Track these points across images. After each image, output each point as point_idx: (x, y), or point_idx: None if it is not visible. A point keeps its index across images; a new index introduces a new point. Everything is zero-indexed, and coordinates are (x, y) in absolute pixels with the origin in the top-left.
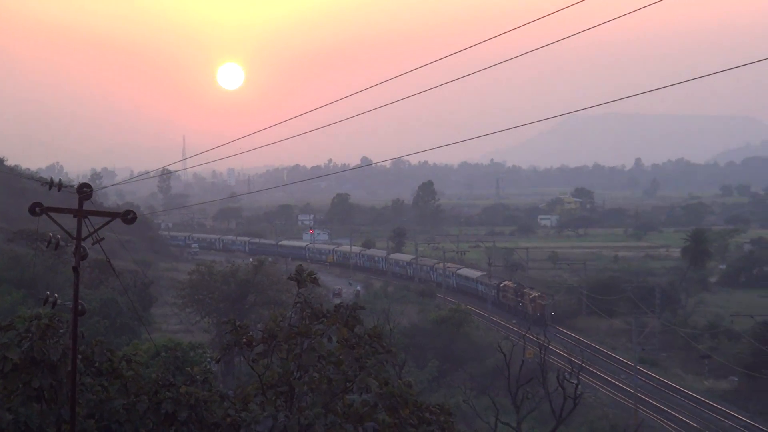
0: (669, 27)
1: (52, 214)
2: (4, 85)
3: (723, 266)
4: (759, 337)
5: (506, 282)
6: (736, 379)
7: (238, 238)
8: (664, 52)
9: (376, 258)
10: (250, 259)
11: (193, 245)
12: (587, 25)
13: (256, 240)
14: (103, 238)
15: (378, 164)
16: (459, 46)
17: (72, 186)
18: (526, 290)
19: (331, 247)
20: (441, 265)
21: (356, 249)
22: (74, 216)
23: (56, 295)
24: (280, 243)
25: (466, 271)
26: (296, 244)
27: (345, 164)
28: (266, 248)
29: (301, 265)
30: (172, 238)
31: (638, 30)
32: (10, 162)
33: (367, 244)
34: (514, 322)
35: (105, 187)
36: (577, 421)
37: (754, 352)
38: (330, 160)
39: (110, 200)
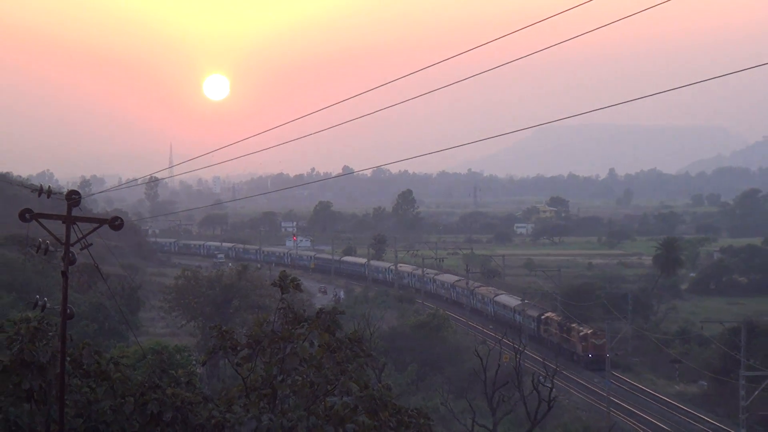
0: (642, 41)
1: (42, 220)
2: (16, 99)
3: (693, 274)
4: (727, 343)
5: (549, 313)
6: (706, 384)
7: (223, 244)
8: (638, 65)
9: (381, 269)
10: (229, 264)
11: (218, 255)
12: (562, 38)
13: (241, 246)
14: (91, 244)
15: (359, 173)
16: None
17: (61, 193)
18: (574, 326)
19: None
20: (484, 289)
21: (361, 260)
22: (63, 222)
23: (45, 298)
24: (264, 249)
25: (504, 299)
26: (279, 250)
27: (327, 173)
28: (250, 254)
29: (284, 271)
30: (165, 243)
31: (612, 44)
32: (1, 169)
33: (348, 251)
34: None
35: (93, 194)
36: (552, 423)
37: (722, 357)
38: (313, 169)
39: (99, 207)
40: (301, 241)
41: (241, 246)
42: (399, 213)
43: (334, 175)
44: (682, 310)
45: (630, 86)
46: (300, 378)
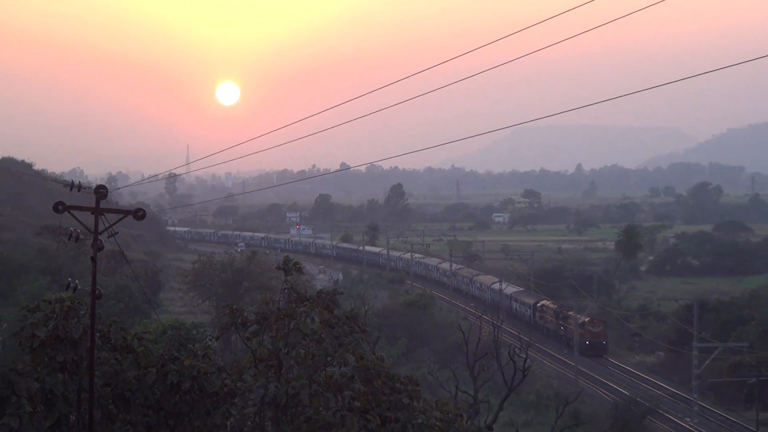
0: (607, 52)
1: (73, 212)
2: (36, 99)
3: (651, 257)
4: (682, 318)
5: (544, 301)
6: (662, 354)
7: (241, 233)
8: (603, 72)
9: (394, 257)
10: (238, 250)
11: (239, 243)
12: (537, 47)
13: (261, 235)
14: (117, 233)
15: (355, 168)
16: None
17: (90, 187)
18: (570, 313)
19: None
20: (483, 278)
21: (377, 249)
22: (92, 213)
23: (77, 281)
24: (292, 239)
25: (500, 287)
26: (305, 240)
27: (326, 168)
28: (280, 243)
29: (287, 255)
30: (186, 233)
31: (581, 54)
32: (37, 166)
33: (346, 238)
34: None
35: (119, 189)
36: (526, 390)
37: (677, 330)
38: (314, 165)
39: (124, 200)
40: (304, 229)
41: (272, 236)
42: (390, 204)
43: (332, 170)
44: (641, 289)
45: (596, 91)
46: (302, 351)
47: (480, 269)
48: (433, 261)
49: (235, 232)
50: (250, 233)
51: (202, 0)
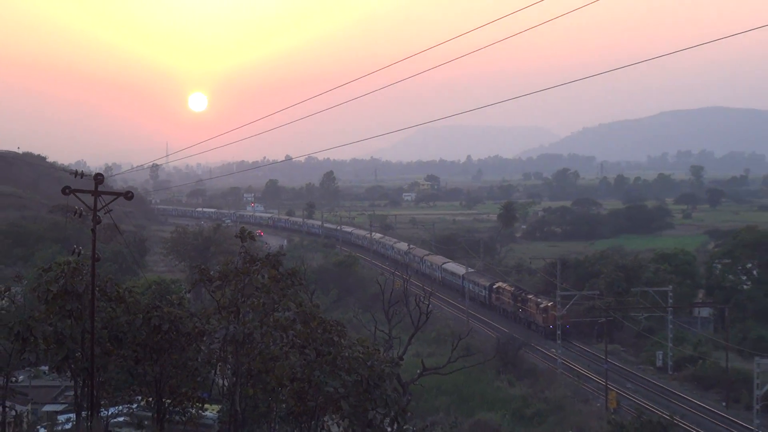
0: (490, 66)
1: (78, 194)
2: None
3: (524, 226)
4: (548, 273)
5: (500, 283)
6: None
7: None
8: (485, 83)
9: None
10: (201, 223)
11: (226, 221)
12: (445, 61)
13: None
14: (111, 210)
15: (296, 159)
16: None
17: (90, 175)
18: (530, 297)
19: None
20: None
21: (363, 232)
22: (92, 195)
23: (81, 248)
24: (291, 219)
25: (452, 266)
26: (314, 222)
27: (275, 159)
28: (283, 222)
29: (244, 227)
30: (173, 210)
31: (470, 69)
32: (50, 159)
33: (290, 214)
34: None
35: (113, 176)
36: (429, 329)
37: (545, 282)
38: (264, 157)
39: (117, 184)
40: (257, 206)
41: (285, 218)
42: (324, 187)
43: (279, 161)
44: (516, 251)
45: (480, 99)
46: (255, 300)
47: (393, 236)
48: (359, 232)
49: (204, 209)
50: (215, 209)
51: (178, 37)
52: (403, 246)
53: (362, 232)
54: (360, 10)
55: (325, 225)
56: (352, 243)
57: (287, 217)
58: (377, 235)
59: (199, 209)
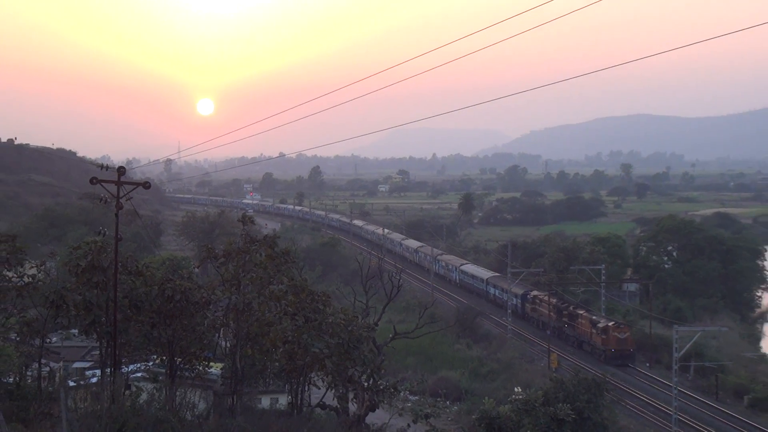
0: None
1: (104, 184)
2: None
3: (481, 214)
4: (501, 253)
5: (535, 292)
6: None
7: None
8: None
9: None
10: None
11: (249, 210)
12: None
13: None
14: (132, 197)
15: (288, 156)
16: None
17: (114, 168)
18: (582, 313)
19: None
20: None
21: (375, 227)
22: (115, 185)
23: (106, 230)
24: (298, 208)
25: (471, 269)
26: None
27: (270, 156)
28: (286, 210)
29: (244, 211)
30: (179, 198)
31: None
32: (80, 153)
33: (282, 202)
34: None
35: (133, 168)
36: (400, 300)
37: (498, 261)
38: (262, 153)
39: (136, 175)
40: (256, 196)
41: (297, 207)
42: (311, 179)
43: (274, 157)
44: (474, 234)
45: (445, 106)
46: (254, 275)
47: (369, 221)
48: (341, 217)
49: (212, 197)
50: (220, 197)
51: (189, 56)
52: (413, 243)
53: (487, 274)
54: (346, 36)
55: (312, 211)
56: (335, 227)
57: (284, 206)
58: (395, 235)
59: (214, 198)
